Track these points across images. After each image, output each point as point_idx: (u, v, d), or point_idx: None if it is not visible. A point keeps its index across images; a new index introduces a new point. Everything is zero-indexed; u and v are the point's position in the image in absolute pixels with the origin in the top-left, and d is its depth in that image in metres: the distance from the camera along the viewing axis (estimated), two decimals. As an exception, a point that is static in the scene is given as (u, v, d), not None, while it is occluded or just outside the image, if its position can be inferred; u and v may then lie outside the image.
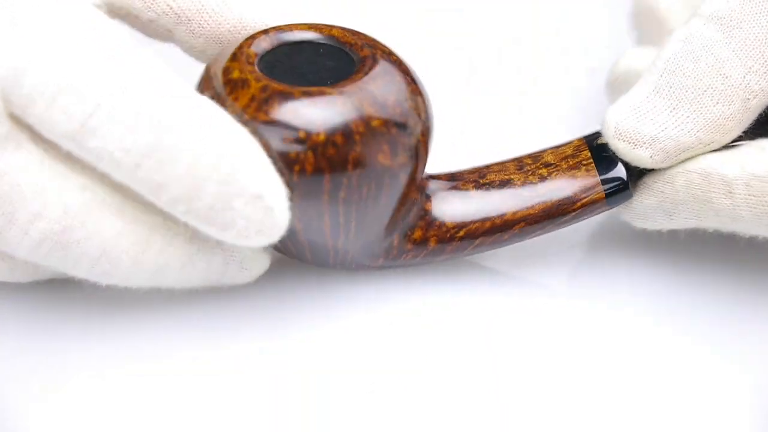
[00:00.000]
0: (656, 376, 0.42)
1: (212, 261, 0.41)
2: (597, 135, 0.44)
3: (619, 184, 0.43)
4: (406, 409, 0.41)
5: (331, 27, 0.44)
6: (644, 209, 0.43)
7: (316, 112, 0.40)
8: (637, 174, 0.43)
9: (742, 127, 0.42)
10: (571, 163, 0.44)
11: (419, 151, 0.42)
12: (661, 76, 0.42)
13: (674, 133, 0.41)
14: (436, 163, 0.44)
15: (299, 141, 0.39)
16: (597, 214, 0.44)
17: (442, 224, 0.43)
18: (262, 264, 0.43)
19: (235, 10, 0.44)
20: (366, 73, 0.41)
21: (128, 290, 0.42)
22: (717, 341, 0.43)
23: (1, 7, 0.39)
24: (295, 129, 0.39)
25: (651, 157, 0.41)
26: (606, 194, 0.43)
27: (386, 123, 0.40)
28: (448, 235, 0.43)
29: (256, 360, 0.43)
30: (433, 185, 0.44)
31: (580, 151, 0.44)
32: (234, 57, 0.42)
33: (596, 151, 0.43)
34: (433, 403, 0.41)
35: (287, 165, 0.39)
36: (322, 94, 0.40)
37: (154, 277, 0.41)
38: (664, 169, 0.42)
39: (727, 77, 0.41)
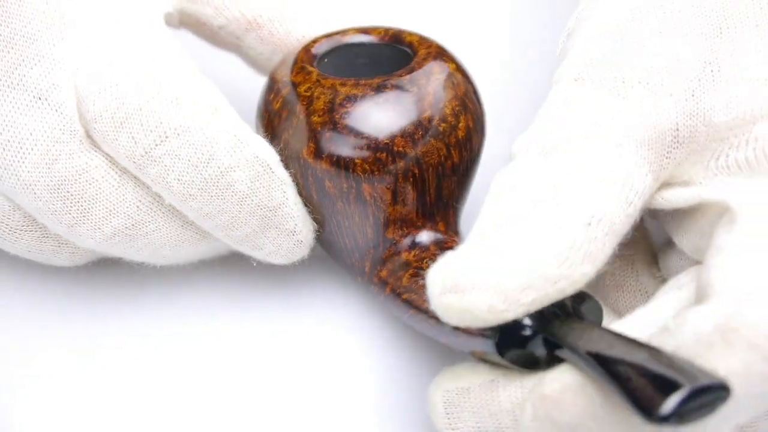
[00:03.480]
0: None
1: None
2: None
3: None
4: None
5: (387, 29, 0.45)
6: None
7: (383, 115, 0.41)
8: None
9: (598, 257, 0.36)
10: None
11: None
12: (482, 220, 0.37)
13: (512, 270, 0.35)
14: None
15: (369, 146, 0.41)
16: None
17: (401, 277, 0.42)
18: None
19: (303, 19, 0.45)
20: (420, 70, 0.43)
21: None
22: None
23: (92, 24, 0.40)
24: (364, 134, 0.41)
25: (486, 301, 0.35)
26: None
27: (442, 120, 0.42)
28: (398, 291, 0.41)
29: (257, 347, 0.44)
30: (425, 236, 0.43)
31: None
32: (299, 62, 0.44)
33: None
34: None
35: (350, 168, 0.41)
36: (383, 91, 0.42)
37: (209, 253, 0.43)
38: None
39: (559, 204, 0.36)
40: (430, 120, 0.42)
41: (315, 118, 0.42)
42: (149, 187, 0.41)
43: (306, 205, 0.42)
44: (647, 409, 0.31)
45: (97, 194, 0.40)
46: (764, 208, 0.35)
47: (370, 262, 0.42)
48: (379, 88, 0.42)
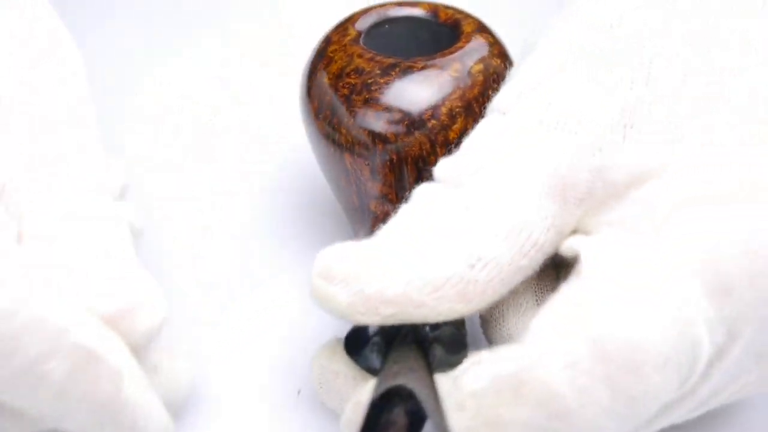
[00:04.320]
0: None
1: None
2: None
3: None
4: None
5: (422, 2, 0.46)
6: None
7: (434, 89, 0.42)
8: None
9: (473, 299, 0.35)
10: None
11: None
12: (388, 225, 0.37)
13: (381, 279, 0.35)
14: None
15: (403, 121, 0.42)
16: None
17: None
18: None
19: None
20: (468, 43, 0.43)
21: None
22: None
23: None
24: (401, 110, 0.42)
25: (346, 297, 0.35)
26: None
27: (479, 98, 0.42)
28: None
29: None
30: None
31: None
32: (347, 21, 0.45)
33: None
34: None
35: (335, 136, 0.42)
36: (424, 68, 0.42)
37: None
38: None
39: (449, 237, 0.36)
40: (420, 114, 0.41)
41: (326, 80, 0.43)
42: None
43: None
44: None
45: None
46: (597, 271, 0.34)
47: (364, 227, 0.43)
48: (386, 71, 0.42)
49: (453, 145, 0.41)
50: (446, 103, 0.42)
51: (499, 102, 0.39)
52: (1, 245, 0.35)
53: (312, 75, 0.44)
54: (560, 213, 0.36)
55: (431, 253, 0.35)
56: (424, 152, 0.42)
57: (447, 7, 0.46)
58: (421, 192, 0.37)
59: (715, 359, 0.34)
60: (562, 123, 0.37)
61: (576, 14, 0.40)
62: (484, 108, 0.42)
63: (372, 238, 0.36)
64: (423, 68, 0.42)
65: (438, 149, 0.41)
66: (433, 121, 0.41)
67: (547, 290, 0.38)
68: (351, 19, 0.46)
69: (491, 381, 0.33)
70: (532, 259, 0.36)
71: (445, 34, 0.45)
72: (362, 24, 0.45)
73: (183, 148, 0.52)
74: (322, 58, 0.44)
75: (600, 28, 0.38)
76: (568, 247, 0.36)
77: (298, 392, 0.41)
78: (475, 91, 0.42)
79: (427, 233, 0.36)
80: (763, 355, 0.35)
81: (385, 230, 0.36)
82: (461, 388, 0.33)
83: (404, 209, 0.37)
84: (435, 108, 0.42)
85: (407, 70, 0.42)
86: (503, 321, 0.37)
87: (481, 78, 0.42)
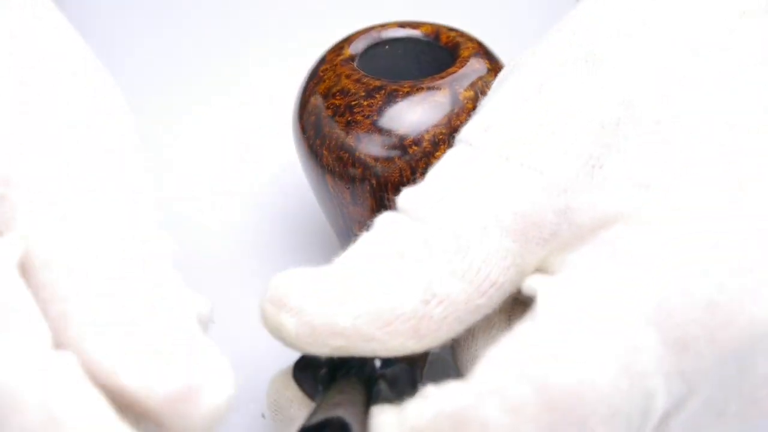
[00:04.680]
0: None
1: None
2: None
3: None
4: None
5: (424, 24, 0.45)
6: None
7: (418, 114, 0.41)
8: None
9: (426, 335, 0.34)
10: None
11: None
12: (345, 252, 0.36)
13: (331, 310, 0.34)
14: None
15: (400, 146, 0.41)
16: None
17: None
18: None
19: None
20: (461, 68, 0.42)
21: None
22: None
23: None
24: (399, 134, 0.41)
25: (295, 327, 0.34)
26: None
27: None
28: None
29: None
30: None
31: None
32: (343, 42, 0.45)
33: None
34: None
35: (318, 155, 0.42)
36: (410, 93, 0.41)
37: None
38: None
39: (405, 270, 0.34)
40: (402, 139, 0.41)
41: (313, 99, 0.43)
42: None
43: None
44: None
45: None
46: (552, 313, 0.33)
47: None
48: (371, 93, 0.42)
49: None
50: (430, 129, 0.41)
51: (467, 133, 0.38)
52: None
53: (303, 93, 0.44)
54: (522, 252, 0.35)
55: (385, 285, 0.34)
56: (405, 179, 0.41)
57: (450, 29, 0.45)
58: (382, 221, 0.36)
59: (673, 411, 0.33)
60: (528, 160, 0.36)
61: (550, 47, 0.38)
62: None
63: (327, 265, 0.35)
64: (408, 92, 0.41)
65: (419, 176, 0.41)
66: (415, 148, 0.41)
67: (518, 313, 0.37)
68: (348, 39, 0.45)
69: (433, 417, 0.32)
70: (491, 298, 0.35)
71: (445, 56, 0.44)
72: (359, 44, 0.45)
73: (180, 162, 0.52)
74: (314, 77, 0.44)
75: (573, 63, 0.37)
76: (527, 286, 0.35)
77: (263, 416, 0.41)
78: (462, 118, 0.41)
79: (382, 264, 0.35)
80: (723, 413, 0.34)
81: (342, 258, 0.35)
82: (404, 421, 0.32)
83: (364, 237, 0.36)
84: (417, 134, 0.41)
85: (392, 94, 0.41)
86: (472, 341, 0.37)
87: (470, 105, 0.41)
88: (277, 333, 0.34)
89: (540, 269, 0.36)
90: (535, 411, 0.31)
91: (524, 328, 0.33)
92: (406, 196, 0.37)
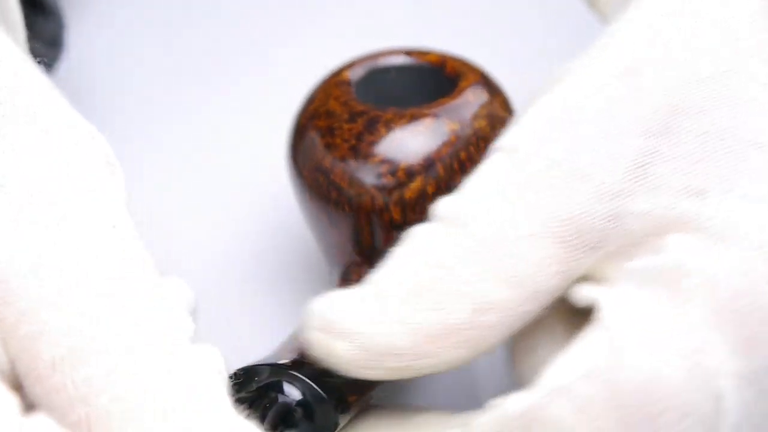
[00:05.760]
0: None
1: None
2: None
3: None
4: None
5: (431, 52, 0.45)
6: None
7: (396, 143, 0.40)
8: None
9: (477, 344, 0.35)
10: None
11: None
12: (384, 271, 0.35)
13: (384, 330, 0.34)
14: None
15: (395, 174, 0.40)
16: None
17: None
18: None
19: None
20: (454, 99, 0.42)
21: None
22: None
23: None
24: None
25: (348, 351, 0.34)
26: None
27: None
28: None
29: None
30: (359, 273, 0.41)
31: None
32: (342, 67, 0.44)
33: None
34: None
35: (300, 173, 0.42)
36: (391, 120, 0.41)
37: None
38: None
39: (453, 280, 0.35)
40: (376, 167, 0.40)
41: (301, 119, 0.42)
42: None
43: None
44: None
45: None
46: (618, 321, 0.33)
47: (336, 270, 0.42)
48: (353, 117, 0.41)
49: (408, 204, 0.40)
50: (406, 159, 0.40)
51: (508, 140, 0.37)
52: None
53: (298, 113, 0.44)
54: (568, 259, 0.35)
55: (435, 299, 0.34)
56: (376, 208, 0.40)
57: (455, 59, 0.45)
58: (417, 233, 0.36)
59: (744, 415, 0.34)
60: (575, 167, 0.36)
61: (597, 58, 0.38)
62: (450, 171, 0.40)
63: (367, 284, 0.35)
64: (390, 120, 0.41)
65: (391, 207, 0.40)
66: (389, 177, 0.40)
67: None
68: (350, 65, 0.45)
69: (499, 421, 0.32)
70: (537, 303, 0.35)
71: (448, 86, 0.44)
72: (358, 69, 0.44)
73: (177, 168, 0.51)
74: (308, 97, 0.44)
75: (621, 73, 0.37)
76: (583, 297, 0.35)
77: None
78: (444, 151, 0.41)
79: (428, 277, 0.35)
80: None
81: (382, 276, 0.35)
82: (471, 430, 0.33)
83: (399, 251, 0.36)
84: (392, 164, 0.40)
85: (373, 120, 0.41)
86: (533, 354, 0.37)
87: (452, 138, 0.41)
88: (332, 359, 0.34)
89: (589, 275, 0.36)
90: (604, 407, 0.32)
91: (591, 336, 0.33)
92: (444, 204, 0.36)
